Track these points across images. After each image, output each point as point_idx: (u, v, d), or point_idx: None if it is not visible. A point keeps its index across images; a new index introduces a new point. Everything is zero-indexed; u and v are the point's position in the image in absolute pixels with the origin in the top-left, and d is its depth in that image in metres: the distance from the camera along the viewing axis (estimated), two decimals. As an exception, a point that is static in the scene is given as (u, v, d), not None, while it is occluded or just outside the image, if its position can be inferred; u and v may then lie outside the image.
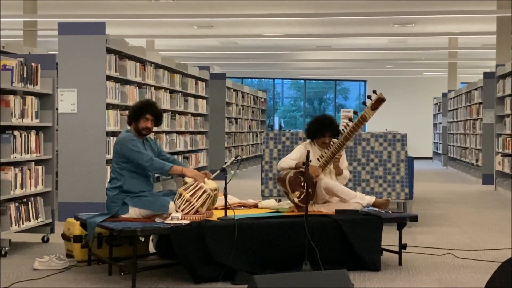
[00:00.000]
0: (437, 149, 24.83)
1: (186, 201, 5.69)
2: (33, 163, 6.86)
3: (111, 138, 8.68)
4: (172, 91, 11.64)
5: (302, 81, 33.77)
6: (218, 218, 5.73)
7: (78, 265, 5.96)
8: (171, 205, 5.75)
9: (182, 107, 12.16)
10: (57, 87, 7.97)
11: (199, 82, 13.42)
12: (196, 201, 5.70)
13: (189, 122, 12.68)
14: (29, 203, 6.83)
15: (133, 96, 9.42)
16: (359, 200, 6.35)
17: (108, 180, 7.85)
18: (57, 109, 8.13)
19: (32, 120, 6.84)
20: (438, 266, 6.14)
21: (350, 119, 6.35)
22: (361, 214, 6.12)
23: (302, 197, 6.10)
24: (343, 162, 6.59)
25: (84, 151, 8.35)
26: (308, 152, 5.76)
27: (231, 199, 6.38)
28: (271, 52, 25.71)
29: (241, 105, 18.56)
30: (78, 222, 5.97)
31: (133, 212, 5.84)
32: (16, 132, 6.54)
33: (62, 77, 8.36)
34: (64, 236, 6.24)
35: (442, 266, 6.13)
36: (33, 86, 6.88)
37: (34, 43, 15.80)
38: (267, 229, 5.68)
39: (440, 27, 20.09)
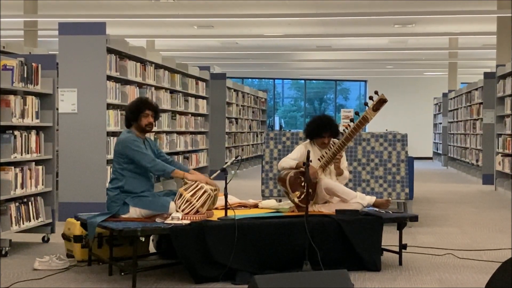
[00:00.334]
0: (437, 149, 24.83)
1: (187, 201, 5.69)
2: (34, 163, 6.86)
3: (112, 138, 8.68)
4: (172, 91, 11.64)
5: (303, 81, 33.77)
6: (218, 218, 5.73)
7: (78, 265, 5.97)
8: (172, 205, 5.76)
9: (183, 107, 12.17)
10: (57, 87, 7.98)
11: (200, 82, 13.43)
12: (197, 201, 5.70)
13: (190, 122, 12.69)
14: (30, 203, 6.83)
15: (133, 96, 9.42)
16: (360, 200, 6.35)
17: (108, 180, 7.87)
18: (57, 109, 8.13)
19: (32, 120, 6.84)
20: (438, 266, 6.14)
21: (351, 120, 6.35)
22: (361, 214, 6.12)
23: (302, 197, 6.10)
24: (343, 162, 6.59)
25: (85, 151, 8.35)
26: (308, 152, 5.76)
27: (232, 199, 6.38)
28: (272, 52, 25.71)
29: (241, 105, 18.56)
30: (79, 222, 5.97)
31: (134, 212, 5.84)
32: (16, 132, 6.54)
33: (63, 77, 8.36)
34: (64, 236, 6.24)
35: (443, 266, 6.13)
36: (34, 86, 6.88)
37: (34, 43, 15.81)
38: (268, 229, 5.68)
39: (441, 27, 20.09)
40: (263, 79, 34.25)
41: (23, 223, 6.69)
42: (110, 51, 8.74)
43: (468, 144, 17.61)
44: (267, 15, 17.45)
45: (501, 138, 13.26)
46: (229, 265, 5.43)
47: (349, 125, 6.32)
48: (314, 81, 34.69)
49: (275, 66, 30.04)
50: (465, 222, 9.04)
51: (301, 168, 6.21)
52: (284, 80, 35.05)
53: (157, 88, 10.78)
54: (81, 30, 8.45)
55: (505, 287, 3.82)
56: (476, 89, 16.60)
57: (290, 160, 6.43)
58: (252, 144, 20.14)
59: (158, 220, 5.72)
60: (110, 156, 8.31)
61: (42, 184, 7.02)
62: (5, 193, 6.34)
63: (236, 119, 17.89)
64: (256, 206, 6.69)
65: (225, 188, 5.76)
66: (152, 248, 6.40)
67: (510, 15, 14.15)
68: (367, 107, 6.29)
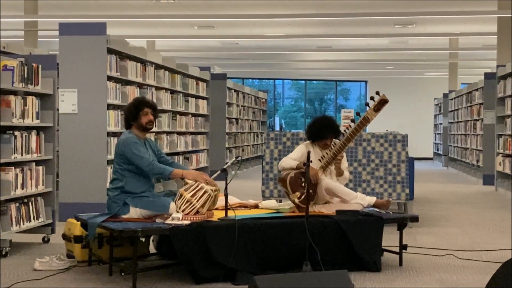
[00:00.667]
0: (437, 150, 24.83)
1: (187, 201, 5.69)
2: (34, 163, 6.86)
3: (112, 138, 8.68)
4: (172, 92, 11.64)
5: (303, 81, 33.78)
6: (218, 219, 5.73)
7: (78, 265, 5.96)
8: (172, 205, 5.76)
9: (183, 107, 12.17)
10: (57, 88, 7.97)
11: (200, 83, 13.43)
12: (197, 201, 5.70)
13: (190, 123, 12.69)
14: (30, 203, 6.83)
15: (133, 97, 9.41)
16: (360, 200, 6.35)
17: (108, 180, 7.88)
18: (57, 109, 8.13)
19: (32, 120, 6.84)
20: (438, 266, 6.14)
21: (352, 121, 6.34)
22: (361, 214, 6.11)
23: (302, 197, 6.10)
24: (344, 163, 6.59)
25: (85, 152, 8.35)
26: (309, 153, 5.75)
27: (232, 200, 6.38)
28: (272, 53, 25.72)
29: (241, 106, 18.56)
30: (79, 222, 5.97)
31: (134, 212, 5.84)
32: (16, 133, 6.54)
33: (63, 78, 8.36)
34: (64, 237, 6.24)
35: (443, 267, 6.13)
36: (34, 86, 6.88)
37: (35, 44, 15.81)
38: (268, 229, 5.68)
39: (441, 28, 20.10)
40: (264, 80, 34.26)
41: (23, 224, 6.69)
42: (110, 51, 8.74)
43: (469, 144, 17.61)
44: (267, 15, 17.45)
45: (501, 139, 13.26)
46: (229, 266, 5.43)
47: (350, 126, 6.31)
48: (314, 81, 34.69)
49: (275, 66, 30.05)
50: (466, 223, 9.03)
51: (301, 169, 6.21)
52: (285, 81, 35.06)
53: (158, 88, 10.78)
54: (82, 31, 8.45)
55: (505, 287, 3.81)
56: (477, 90, 16.59)
57: (291, 160, 6.42)
58: (252, 145, 20.14)
59: (158, 220, 5.72)
60: (110, 156, 8.31)
61: (43, 185, 7.02)
62: (5, 194, 6.34)
63: (237, 119, 17.89)
64: (256, 206, 6.69)
65: (226, 188, 5.76)
66: (152, 249, 6.39)
67: (511, 15, 14.15)
68: (368, 108, 6.28)
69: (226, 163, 6.52)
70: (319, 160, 6.40)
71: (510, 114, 12.56)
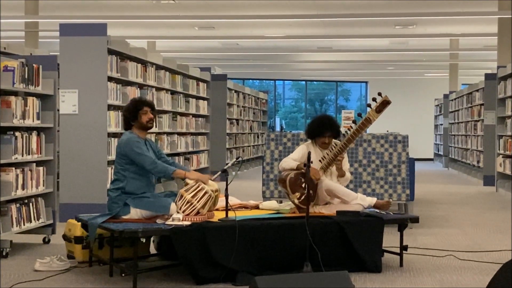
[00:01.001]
0: (438, 151, 24.82)
1: (187, 202, 5.69)
2: (34, 164, 6.86)
3: (112, 139, 8.68)
4: (173, 92, 11.65)
5: (303, 82, 33.77)
6: (219, 219, 5.73)
7: (79, 266, 5.96)
8: (172, 206, 5.76)
9: (183, 108, 12.17)
10: (58, 88, 7.97)
11: (201, 83, 13.43)
12: (197, 202, 5.70)
13: (190, 123, 12.69)
14: (30, 204, 6.83)
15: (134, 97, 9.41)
16: (360, 201, 6.35)
17: (109, 181, 7.88)
18: (58, 110, 8.13)
19: (33, 121, 6.84)
20: (439, 267, 6.14)
21: (353, 121, 6.33)
22: (362, 215, 6.11)
23: (302, 198, 6.10)
24: (345, 164, 6.58)
25: (85, 152, 8.35)
26: (309, 153, 5.75)
27: (232, 200, 6.38)
28: (272, 53, 25.71)
29: (242, 106, 18.57)
30: (79, 223, 5.97)
31: (135, 213, 5.84)
32: (17, 133, 6.55)
33: (64, 78, 8.36)
34: (65, 237, 6.24)
35: (444, 268, 6.12)
36: (35, 87, 6.88)
37: (35, 44, 15.81)
38: (268, 230, 5.68)
39: (442, 29, 20.10)
40: (264, 80, 34.26)
41: (24, 224, 6.69)
42: (111, 52, 8.74)
43: (469, 145, 17.61)
44: (268, 16, 17.45)
45: (502, 140, 13.26)
46: (229, 266, 5.43)
47: (351, 127, 6.31)
48: (315, 82, 34.70)
49: (276, 67, 30.05)
50: (466, 224, 9.03)
51: (301, 169, 6.21)
52: (285, 81, 35.06)
53: (158, 89, 10.78)
54: (82, 31, 8.46)
55: (506, 288, 3.81)
56: (477, 90, 16.59)
57: (291, 160, 6.42)
58: (253, 145, 20.14)
59: (158, 221, 5.72)
60: (111, 157, 8.32)
61: (43, 185, 7.02)
62: (6, 194, 6.34)
63: (237, 120, 17.89)
64: (257, 207, 6.69)
65: (226, 189, 5.76)
66: (152, 249, 6.40)
67: (511, 16, 14.15)
68: (369, 109, 6.27)
69: (227, 164, 6.52)
70: (320, 160, 6.40)
71: (511, 115, 12.56)
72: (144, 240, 5.78)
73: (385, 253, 6.25)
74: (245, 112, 18.94)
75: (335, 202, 6.37)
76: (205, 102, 13.77)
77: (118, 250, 5.91)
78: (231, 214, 5.74)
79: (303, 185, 6.10)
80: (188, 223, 5.54)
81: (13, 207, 6.52)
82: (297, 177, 6.21)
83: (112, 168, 6.67)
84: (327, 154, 6.38)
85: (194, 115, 13.05)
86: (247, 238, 5.56)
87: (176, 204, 5.74)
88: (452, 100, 20.99)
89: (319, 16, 17.42)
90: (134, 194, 5.88)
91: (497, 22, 15.66)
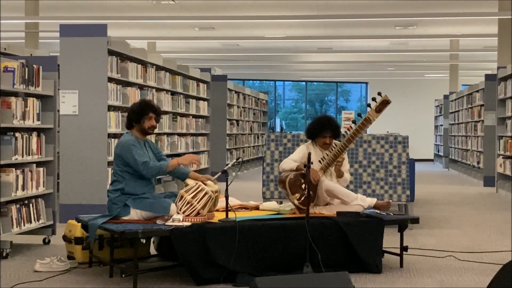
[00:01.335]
0: (438, 151, 24.82)
1: (188, 203, 5.69)
2: (35, 164, 6.86)
3: (113, 140, 8.68)
4: (173, 93, 11.65)
5: (304, 83, 33.77)
6: (219, 220, 5.73)
7: (79, 267, 5.97)
8: (173, 207, 5.76)
9: (184, 109, 12.17)
10: (58, 89, 7.98)
11: (201, 84, 13.43)
12: (198, 203, 5.70)
13: (191, 124, 12.69)
14: (31, 204, 6.83)
15: (134, 98, 9.42)
16: (361, 202, 6.35)
17: (109, 181, 7.88)
18: (58, 110, 8.13)
19: (33, 121, 6.84)
20: (439, 268, 6.14)
21: (353, 122, 6.33)
22: (362, 216, 6.11)
23: (302, 199, 6.10)
24: (345, 165, 6.58)
25: (86, 153, 8.35)
26: (309, 154, 5.75)
27: (232, 201, 6.38)
28: (273, 54, 25.71)
29: (242, 107, 18.57)
30: (79, 224, 5.97)
31: (135, 214, 5.84)
32: (17, 134, 6.55)
33: (64, 79, 8.36)
34: (65, 238, 6.24)
35: (444, 268, 6.12)
36: (35, 88, 6.88)
37: (35, 45, 15.81)
38: (269, 231, 5.68)
39: (442, 29, 20.10)
40: (264, 81, 34.26)
41: (24, 225, 6.69)
42: (111, 53, 8.75)
43: (469, 146, 17.61)
44: (268, 17, 17.45)
45: (502, 140, 13.26)
46: (230, 267, 5.43)
47: (351, 127, 6.31)
48: (315, 83, 34.69)
49: (276, 68, 30.05)
50: (466, 224, 9.03)
51: (301, 170, 6.21)
52: (285, 82, 35.05)
53: (158, 90, 10.78)
54: (82, 32, 8.46)
55: (506, 289, 3.81)
56: (477, 91, 16.59)
57: (291, 161, 6.42)
58: (253, 146, 20.14)
59: (159, 222, 5.72)
60: (111, 158, 8.30)
61: (43, 186, 7.02)
62: (6, 195, 6.34)
63: (237, 120, 17.89)
64: (257, 208, 6.69)
65: (226, 190, 5.76)
66: (153, 250, 6.40)
67: (511, 17, 14.15)
68: (369, 109, 6.27)
69: (227, 165, 6.52)
70: (320, 161, 6.39)
71: (511, 115, 12.55)
72: (144, 241, 5.77)
73: (385, 254, 6.25)
74: (245, 112, 18.94)
75: (335, 202, 6.37)
76: (205, 102, 13.77)
77: (118, 251, 5.91)
78: (231, 215, 5.73)
79: (303, 186, 6.11)
80: (188, 224, 5.54)
81: (13, 208, 6.52)
82: (296, 178, 6.21)
83: (112, 169, 6.67)
84: (327, 155, 6.38)
85: (194, 116, 13.06)
86: (247, 239, 5.56)
87: (176, 205, 5.74)
88: (452, 100, 20.99)
89: (319, 17, 17.43)
90: (134, 195, 5.88)
91: (497, 22, 15.66)
